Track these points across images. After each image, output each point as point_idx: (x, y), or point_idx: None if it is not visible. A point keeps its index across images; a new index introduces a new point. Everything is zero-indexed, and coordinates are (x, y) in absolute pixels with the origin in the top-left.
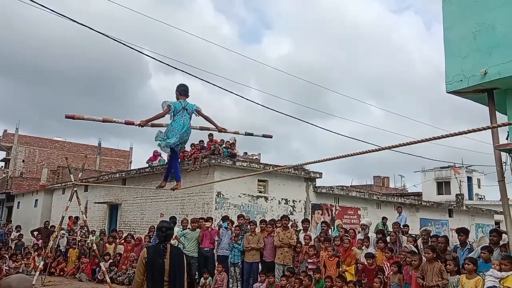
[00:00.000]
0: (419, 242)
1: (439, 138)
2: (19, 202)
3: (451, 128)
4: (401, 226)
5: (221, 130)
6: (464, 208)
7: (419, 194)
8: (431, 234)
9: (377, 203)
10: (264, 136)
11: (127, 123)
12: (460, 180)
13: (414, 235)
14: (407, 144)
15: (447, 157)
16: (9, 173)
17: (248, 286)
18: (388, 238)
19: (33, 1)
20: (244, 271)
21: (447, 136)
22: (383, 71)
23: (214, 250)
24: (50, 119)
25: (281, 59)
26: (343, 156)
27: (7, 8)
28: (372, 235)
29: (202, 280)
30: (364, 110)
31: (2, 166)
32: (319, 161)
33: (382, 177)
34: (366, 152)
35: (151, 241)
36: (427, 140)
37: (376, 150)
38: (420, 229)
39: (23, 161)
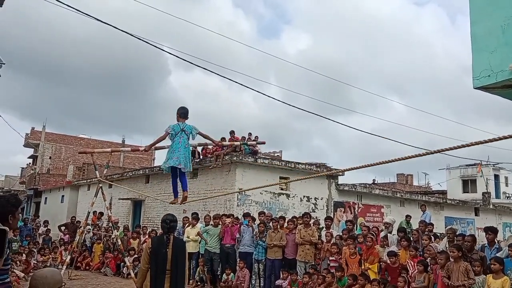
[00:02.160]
0: (444, 240)
1: (490, 141)
2: (46, 198)
3: (476, 124)
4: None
5: (218, 143)
6: (491, 206)
7: (444, 192)
8: (457, 233)
9: (401, 201)
10: (257, 143)
11: (133, 150)
12: (486, 178)
13: (439, 234)
14: (457, 147)
15: (473, 155)
16: (37, 169)
17: (270, 283)
18: (411, 237)
19: (58, 0)
20: (266, 267)
21: (494, 140)
22: (404, 66)
23: (235, 246)
24: (75, 117)
25: (300, 54)
26: (378, 164)
27: (29, 8)
28: (395, 233)
29: (224, 276)
30: (386, 105)
31: (30, 163)
32: (351, 169)
33: (406, 175)
34: (407, 157)
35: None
36: (477, 143)
37: (421, 155)
38: (445, 228)
39: (50, 158)
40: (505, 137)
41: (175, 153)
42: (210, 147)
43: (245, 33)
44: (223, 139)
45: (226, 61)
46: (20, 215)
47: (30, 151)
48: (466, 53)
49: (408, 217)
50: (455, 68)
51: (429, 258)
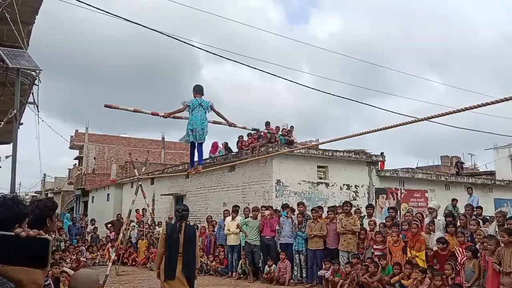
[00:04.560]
0: (494, 224)
1: None
2: (93, 197)
3: None
4: (474, 208)
5: (231, 124)
6: None
7: (492, 173)
8: (507, 216)
9: (446, 184)
10: (268, 132)
11: (153, 114)
12: None
13: (488, 217)
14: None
15: None
16: (83, 170)
17: (312, 274)
18: (458, 222)
19: (89, 5)
20: (308, 258)
21: None
22: (442, 41)
23: (276, 238)
24: (114, 116)
25: (331, 37)
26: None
27: (61, 12)
28: (441, 218)
29: (266, 268)
30: (426, 85)
31: (76, 164)
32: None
33: (450, 157)
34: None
35: (215, 230)
36: None
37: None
38: (495, 210)
39: (94, 158)
40: None
41: (195, 126)
42: (245, 139)
43: (273, 20)
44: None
45: (256, 50)
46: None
47: (76, 153)
48: (509, 23)
49: (454, 200)
50: (496, 40)
51: (478, 244)
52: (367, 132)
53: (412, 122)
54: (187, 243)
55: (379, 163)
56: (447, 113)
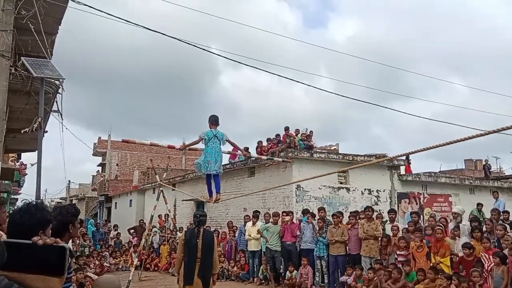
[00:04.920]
0: None
1: None
2: (116, 203)
3: None
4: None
5: (245, 155)
6: None
7: None
8: None
9: (470, 188)
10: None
11: (169, 147)
12: None
13: None
14: None
15: None
16: (106, 176)
17: (334, 279)
18: (484, 227)
19: (107, 13)
20: (329, 264)
21: None
22: (464, 43)
23: (297, 243)
24: (136, 123)
25: (349, 40)
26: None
27: (82, 21)
28: (466, 223)
29: (287, 273)
30: (447, 88)
31: (99, 170)
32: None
33: (474, 160)
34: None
35: (236, 235)
36: None
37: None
38: None
39: (117, 164)
40: None
41: (209, 157)
42: (264, 144)
43: (290, 24)
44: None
45: (274, 55)
46: (79, 224)
47: (99, 159)
48: None
49: (479, 205)
50: None
51: (506, 250)
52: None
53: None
54: (205, 248)
55: (405, 167)
56: None
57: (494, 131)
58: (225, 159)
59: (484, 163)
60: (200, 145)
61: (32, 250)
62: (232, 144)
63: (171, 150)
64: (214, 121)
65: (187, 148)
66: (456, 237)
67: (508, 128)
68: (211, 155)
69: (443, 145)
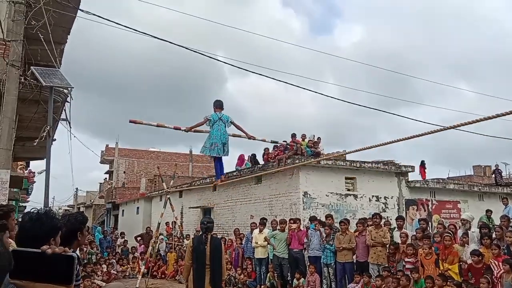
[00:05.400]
0: None
1: None
2: (123, 210)
3: None
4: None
5: (250, 137)
6: None
7: None
8: None
9: (479, 195)
10: (287, 144)
11: (175, 128)
12: None
13: None
14: None
15: None
16: (113, 184)
17: (341, 287)
18: (493, 234)
19: (115, 22)
20: (337, 271)
21: None
22: (470, 48)
23: (304, 251)
24: (143, 130)
25: (354, 46)
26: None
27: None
28: (475, 230)
29: (295, 281)
30: (455, 93)
31: (106, 178)
32: None
33: (483, 166)
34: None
35: (243, 243)
36: None
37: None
38: None
39: (124, 172)
40: None
41: (214, 140)
42: (271, 151)
43: (296, 31)
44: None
45: (280, 61)
46: (87, 232)
47: (106, 167)
48: None
49: (488, 211)
50: None
51: None
52: (394, 141)
53: (442, 130)
54: (213, 254)
55: (420, 172)
56: (474, 121)
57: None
58: (232, 167)
59: (494, 168)
60: (205, 127)
61: (41, 259)
62: (237, 126)
63: (179, 157)
64: (218, 105)
65: (193, 130)
66: (465, 244)
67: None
68: (217, 137)
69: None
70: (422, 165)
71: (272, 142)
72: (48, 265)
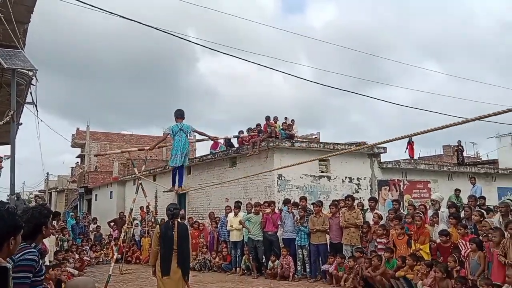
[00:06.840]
0: (498, 215)
1: None
2: (96, 195)
3: None
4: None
5: (213, 139)
6: None
7: (494, 162)
8: (511, 207)
9: (449, 174)
10: (250, 134)
11: (139, 149)
12: None
13: (492, 207)
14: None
15: None
16: (85, 168)
17: (316, 268)
18: (462, 213)
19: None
20: (311, 253)
21: None
22: (440, 29)
23: (278, 233)
24: (114, 112)
25: (327, 25)
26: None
27: (52, 8)
28: (444, 210)
29: (270, 263)
30: (424, 73)
31: (78, 162)
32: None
33: (452, 146)
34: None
35: (218, 226)
36: None
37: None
38: (498, 200)
39: (96, 155)
40: None
41: (175, 151)
42: (245, 134)
43: (268, 9)
44: (267, 119)
45: (252, 40)
46: (51, 225)
47: (78, 151)
48: (507, 8)
49: (457, 191)
50: (495, 26)
51: (482, 235)
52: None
53: (465, 122)
54: (181, 240)
55: (408, 150)
56: (498, 113)
57: (472, 120)
58: (206, 149)
59: (456, 148)
60: (169, 141)
61: None
62: (199, 133)
63: (153, 140)
64: (179, 115)
65: (157, 146)
66: (435, 224)
67: (488, 116)
68: (178, 148)
69: (422, 133)
70: (410, 142)
71: (235, 136)
72: None
